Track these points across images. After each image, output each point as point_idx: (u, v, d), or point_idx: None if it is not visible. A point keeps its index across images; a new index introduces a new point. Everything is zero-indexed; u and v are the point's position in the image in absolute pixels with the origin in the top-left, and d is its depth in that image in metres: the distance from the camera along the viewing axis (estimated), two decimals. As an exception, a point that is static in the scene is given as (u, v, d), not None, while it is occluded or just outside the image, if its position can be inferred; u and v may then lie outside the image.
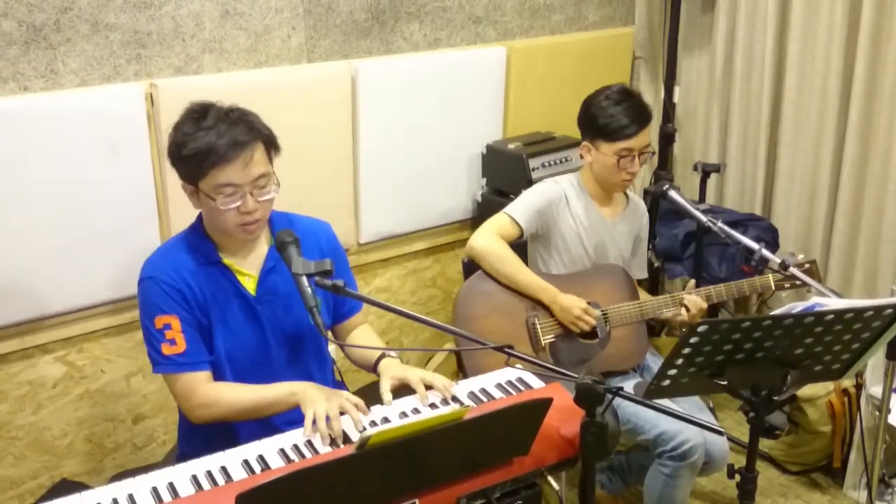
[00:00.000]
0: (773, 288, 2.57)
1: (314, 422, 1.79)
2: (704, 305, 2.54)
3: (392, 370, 1.99)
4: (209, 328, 1.96)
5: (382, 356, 2.05)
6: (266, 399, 1.92)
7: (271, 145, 1.93)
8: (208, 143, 1.82)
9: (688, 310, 2.53)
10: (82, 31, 2.49)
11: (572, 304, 2.47)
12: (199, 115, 1.87)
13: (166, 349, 1.91)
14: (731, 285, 2.57)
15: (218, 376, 1.98)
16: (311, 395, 1.87)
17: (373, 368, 2.07)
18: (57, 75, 2.49)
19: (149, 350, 1.95)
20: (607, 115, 2.49)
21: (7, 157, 2.36)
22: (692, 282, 2.61)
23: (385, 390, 1.93)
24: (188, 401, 1.95)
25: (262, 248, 2.02)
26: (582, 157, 2.61)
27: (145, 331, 1.95)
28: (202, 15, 2.69)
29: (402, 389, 1.96)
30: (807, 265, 2.54)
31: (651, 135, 3.88)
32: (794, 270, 2.49)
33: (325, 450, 1.75)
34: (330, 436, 1.77)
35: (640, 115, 2.51)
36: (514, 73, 3.41)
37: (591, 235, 2.61)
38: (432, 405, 1.91)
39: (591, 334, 2.51)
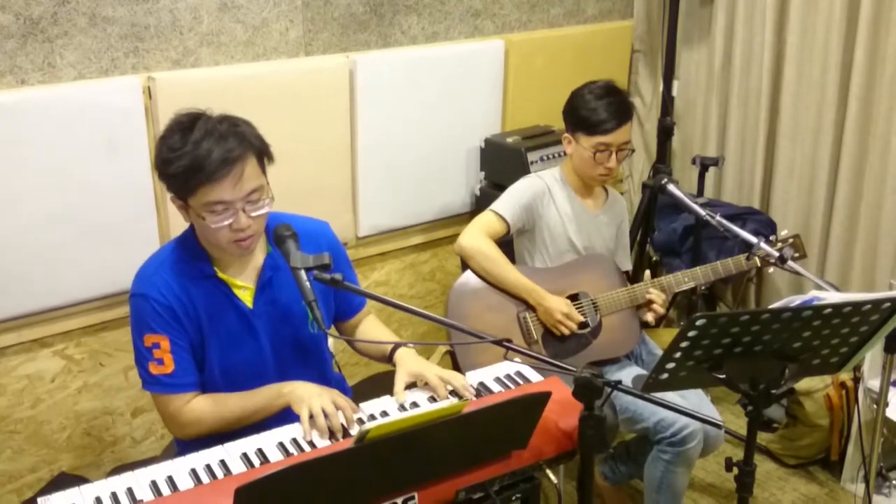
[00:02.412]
0: (759, 264, 2.57)
1: (312, 417, 1.78)
2: (664, 296, 2.56)
3: (408, 365, 1.95)
4: (202, 344, 1.92)
5: (397, 345, 2.02)
6: (253, 406, 1.89)
7: (264, 155, 1.85)
8: (196, 159, 1.73)
9: (653, 305, 2.55)
10: (80, 24, 2.49)
11: (554, 309, 2.48)
12: (187, 127, 1.77)
13: (153, 368, 1.87)
14: (716, 265, 2.58)
15: (214, 390, 1.95)
16: (300, 395, 1.84)
17: (388, 359, 2.03)
18: (54, 68, 2.48)
19: (137, 366, 1.92)
20: (588, 109, 2.52)
21: (4, 151, 2.36)
22: (647, 272, 2.61)
23: (399, 388, 1.90)
24: (174, 421, 1.92)
25: (259, 258, 1.97)
26: (564, 148, 2.64)
27: (134, 346, 1.91)
28: (200, 8, 2.68)
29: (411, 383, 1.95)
30: (790, 239, 2.56)
31: (649, 130, 3.91)
32: (792, 264, 2.49)
33: (323, 443, 1.75)
34: (330, 430, 1.77)
35: (620, 112, 2.52)
36: (512, 67, 3.41)
37: (576, 227, 2.63)
38: (432, 398, 1.91)
39: (583, 324, 2.52)
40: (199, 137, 1.75)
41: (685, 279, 2.58)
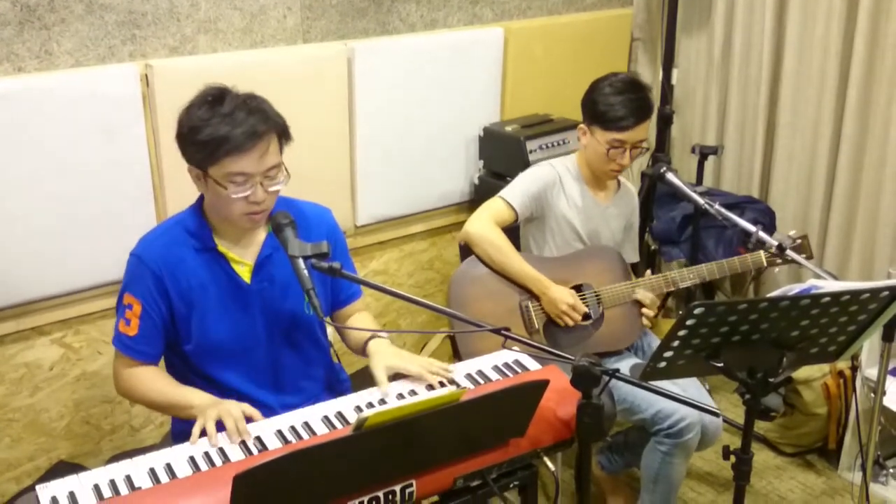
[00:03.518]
0: (766, 264, 2.57)
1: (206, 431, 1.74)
2: (652, 296, 2.55)
3: (386, 358, 1.95)
4: (188, 315, 1.95)
5: (372, 337, 2.03)
6: (170, 402, 1.93)
7: (284, 136, 1.91)
8: (225, 131, 1.79)
9: (643, 309, 2.54)
10: (77, 11, 2.48)
11: (559, 299, 2.47)
12: (216, 100, 1.83)
13: (121, 326, 1.95)
14: (722, 263, 2.57)
15: (204, 362, 1.98)
16: (203, 411, 1.80)
17: (363, 350, 2.05)
18: (51, 56, 2.47)
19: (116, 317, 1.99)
20: (607, 103, 2.47)
21: (1, 139, 2.35)
22: (648, 272, 2.60)
23: (382, 381, 1.90)
24: (115, 377, 2.01)
25: (260, 235, 2.00)
26: (579, 138, 2.61)
27: (117, 299, 1.98)
28: (197, -5, 2.68)
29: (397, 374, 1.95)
30: (798, 240, 2.55)
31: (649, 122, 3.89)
32: (791, 253, 2.49)
33: (323, 430, 1.75)
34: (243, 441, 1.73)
35: (640, 110, 2.47)
36: (511, 55, 3.40)
37: (584, 219, 2.61)
38: (429, 386, 1.91)
39: (585, 315, 2.52)
40: (228, 110, 1.81)
41: (690, 275, 2.56)
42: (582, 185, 2.62)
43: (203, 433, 1.75)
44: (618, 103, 2.46)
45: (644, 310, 2.54)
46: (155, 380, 1.96)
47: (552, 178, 2.59)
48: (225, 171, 1.82)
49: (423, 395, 1.79)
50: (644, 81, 2.58)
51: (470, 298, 2.50)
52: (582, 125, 2.57)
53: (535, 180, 2.58)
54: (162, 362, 2.08)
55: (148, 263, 1.92)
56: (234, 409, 1.78)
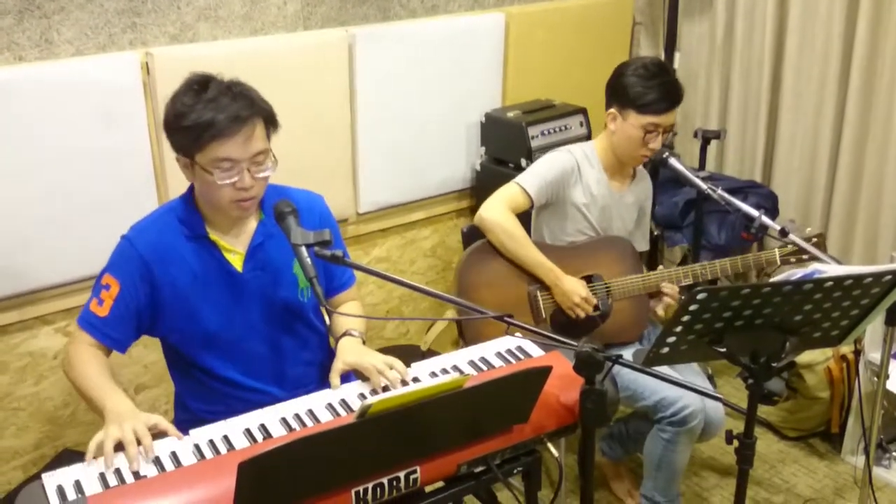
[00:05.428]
0: (779, 262, 2.55)
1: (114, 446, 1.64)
2: (677, 289, 2.56)
3: (345, 355, 1.94)
4: (173, 306, 1.93)
5: (345, 334, 2.02)
6: (90, 394, 1.84)
7: (271, 122, 1.91)
8: (209, 116, 1.79)
9: (664, 297, 2.55)
10: (76, -1, 2.47)
11: (572, 291, 2.46)
12: (200, 86, 1.83)
13: (93, 305, 1.91)
14: (735, 259, 2.55)
15: (198, 353, 1.98)
16: (110, 418, 1.71)
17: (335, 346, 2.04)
18: (52, 45, 2.47)
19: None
20: (641, 87, 2.44)
21: (2, 129, 2.35)
22: (661, 266, 2.60)
23: (334, 374, 1.89)
24: (67, 348, 1.94)
25: (251, 223, 1.99)
26: (606, 124, 2.58)
27: (96, 279, 1.95)
28: (197, -18, 2.66)
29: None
30: (814, 239, 2.53)
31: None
32: (793, 237, 2.48)
33: (327, 418, 1.76)
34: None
35: (673, 93, 2.46)
36: (512, 40, 3.38)
37: (598, 207, 2.59)
38: (432, 374, 1.92)
39: (594, 307, 2.51)
40: (212, 96, 1.81)
41: (702, 271, 2.55)
42: (600, 173, 2.60)
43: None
44: (651, 87, 2.43)
45: (666, 298, 2.54)
46: (91, 363, 1.88)
47: (570, 165, 2.56)
48: (211, 156, 1.82)
49: (427, 382, 1.80)
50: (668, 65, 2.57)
51: (479, 283, 2.49)
52: (612, 111, 2.53)
53: (552, 167, 2.55)
54: (161, 354, 2.08)
55: (138, 248, 1.91)
56: (139, 429, 1.65)
